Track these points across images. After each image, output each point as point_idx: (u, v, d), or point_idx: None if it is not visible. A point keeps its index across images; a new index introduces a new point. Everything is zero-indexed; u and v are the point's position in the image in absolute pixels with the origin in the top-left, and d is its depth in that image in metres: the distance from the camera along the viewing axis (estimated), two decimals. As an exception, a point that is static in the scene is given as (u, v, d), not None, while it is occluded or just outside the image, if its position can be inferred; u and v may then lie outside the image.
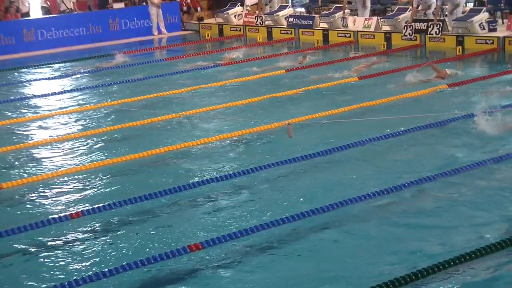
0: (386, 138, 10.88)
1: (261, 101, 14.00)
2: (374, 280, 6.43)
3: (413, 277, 6.44)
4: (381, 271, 6.72)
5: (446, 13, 20.28)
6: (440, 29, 19.35)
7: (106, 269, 6.85)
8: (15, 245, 7.79)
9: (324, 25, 22.48)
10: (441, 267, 6.60)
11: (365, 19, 21.52)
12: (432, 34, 19.46)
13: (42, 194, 9.45)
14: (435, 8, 20.03)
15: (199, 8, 27.99)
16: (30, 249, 7.72)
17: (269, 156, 10.42)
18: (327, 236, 7.71)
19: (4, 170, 10.60)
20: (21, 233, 7.95)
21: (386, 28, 20.96)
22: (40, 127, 13.14)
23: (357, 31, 21.31)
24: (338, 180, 9.40)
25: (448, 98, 13.39)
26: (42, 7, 26.10)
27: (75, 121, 13.39)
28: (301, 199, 8.71)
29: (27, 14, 25.34)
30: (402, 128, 11.15)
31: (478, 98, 12.28)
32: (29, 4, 25.65)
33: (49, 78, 18.00)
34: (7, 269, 7.34)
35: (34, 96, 15.91)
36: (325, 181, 9.43)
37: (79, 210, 8.59)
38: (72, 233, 8.08)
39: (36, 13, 25.75)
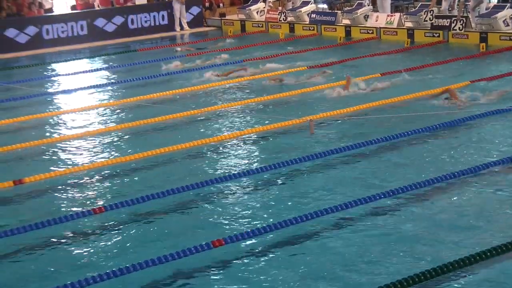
0: (407, 135, 10.86)
1: (282, 98, 14.00)
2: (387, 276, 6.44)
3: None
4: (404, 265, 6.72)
5: (469, 10, 20.16)
6: (463, 25, 19.22)
7: (130, 264, 6.87)
8: (39, 239, 7.84)
9: (346, 21, 22.42)
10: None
11: (388, 16, 21.42)
12: (456, 30, 19.33)
13: (65, 189, 9.50)
14: (458, 4, 19.90)
15: (221, 4, 28.02)
16: (53, 244, 7.77)
17: (291, 152, 10.41)
18: (355, 230, 7.70)
19: (27, 165, 10.67)
20: (45, 228, 7.98)
21: (408, 24, 20.85)
22: (63, 122, 13.21)
23: (380, 28, 21.22)
24: (360, 176, 9.39)
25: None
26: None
27: (98, 117, 13.46)
28: (323, 196, 8.71)
29: (50, 10, 25.45)
30: (414, 128, 11.09)
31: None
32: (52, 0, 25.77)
33: (71, 74, 18.10)
34: (31, 263, 7.39)
35: (58, 92, 16.02)
36: (347, 177, 9.41)
37: (102, 205, 8.63)
38: (95, 228, 8.12)
39: (59, 9, 25.85)
